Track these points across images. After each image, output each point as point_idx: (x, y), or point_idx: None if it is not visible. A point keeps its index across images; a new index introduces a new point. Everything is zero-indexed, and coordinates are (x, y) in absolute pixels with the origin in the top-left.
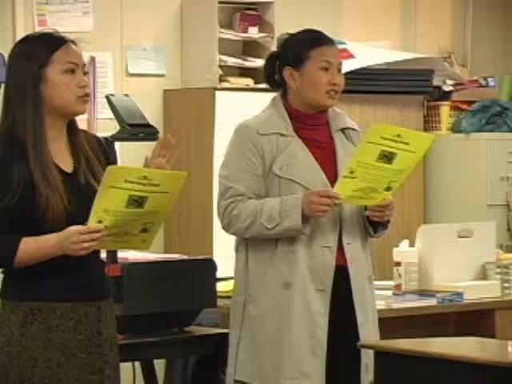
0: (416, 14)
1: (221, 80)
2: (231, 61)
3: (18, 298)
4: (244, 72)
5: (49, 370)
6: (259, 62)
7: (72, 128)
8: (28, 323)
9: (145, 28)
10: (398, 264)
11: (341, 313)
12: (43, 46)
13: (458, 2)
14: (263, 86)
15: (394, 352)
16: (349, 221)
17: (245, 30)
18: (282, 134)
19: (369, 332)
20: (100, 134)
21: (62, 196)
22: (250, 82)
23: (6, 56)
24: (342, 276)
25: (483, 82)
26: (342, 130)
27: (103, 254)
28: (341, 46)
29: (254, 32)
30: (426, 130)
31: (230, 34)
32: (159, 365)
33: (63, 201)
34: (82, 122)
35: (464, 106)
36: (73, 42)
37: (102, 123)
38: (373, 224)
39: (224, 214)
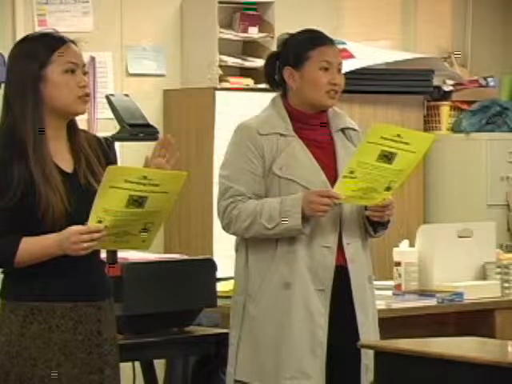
0: (416, 14)
1: (221, 80)
2: (231, 61)
3: (17, 298)
4: (244, 72)
5: (49, 370)
6: (259, 62)
7: (72, 128)
8: (28, 323)
9: (145, 28)
10: (398, 264)
11: (341, 313)
12: (43, 46)
13: (458, 2)
14: (263, 86)
15: (393, 352)
16: (349, 221)
17: (245, 30)
18: (281, 134)
19: (369, 332)
20: (100, 134)
21: (62, 196)
22: (250, 82)
23: (6, 56)
24: (341, 276)
25: (483, 82)
26: (342, 130)
27: (103, 254)
28: (341, 46)
29: (253, 32)
30: (425, 130)
31: (229, 34)
32: (159, 365)
33: (63, 201)
34: (82, 122)
35: (464, 106)
36: (73, 42)
37: (102, 123)
38: (373, 224)
39: (224, 214)
